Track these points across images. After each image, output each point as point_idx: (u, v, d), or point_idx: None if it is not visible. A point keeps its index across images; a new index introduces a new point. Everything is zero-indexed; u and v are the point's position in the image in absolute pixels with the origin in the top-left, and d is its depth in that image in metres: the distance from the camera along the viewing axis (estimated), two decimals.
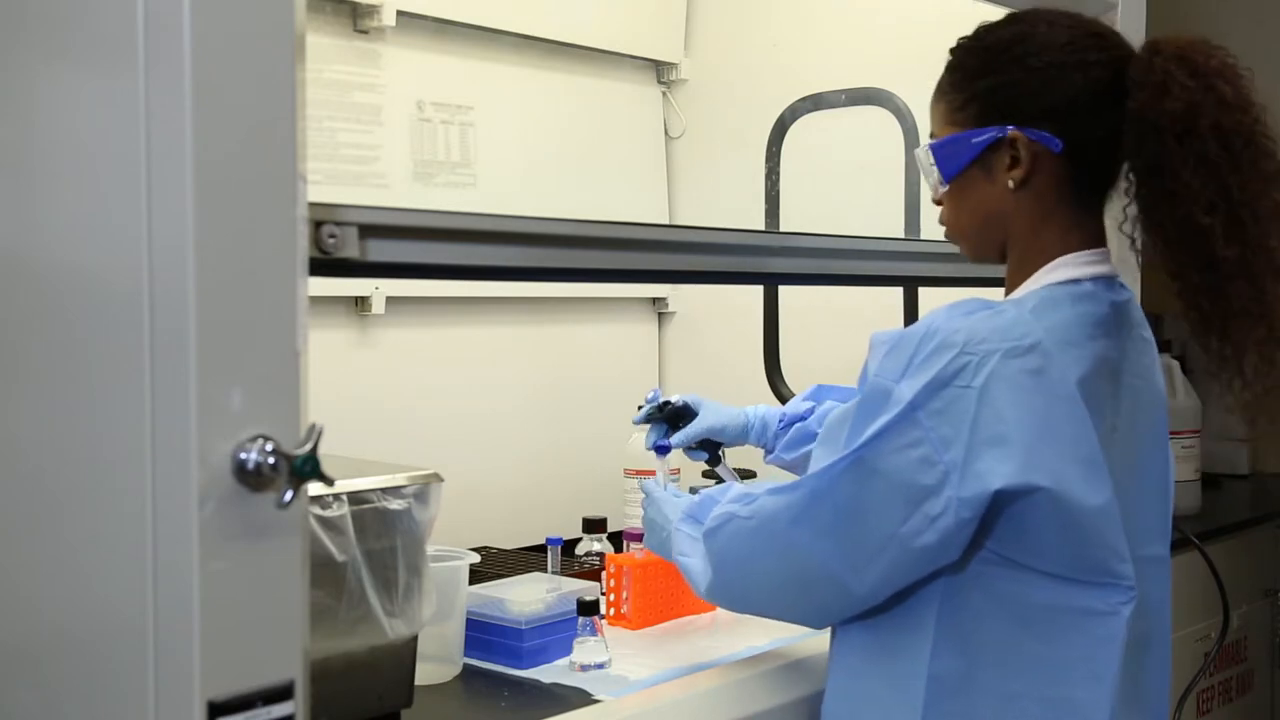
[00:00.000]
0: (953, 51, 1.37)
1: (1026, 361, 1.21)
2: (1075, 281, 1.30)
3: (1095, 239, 1.34)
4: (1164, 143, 1.23)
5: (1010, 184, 1.32)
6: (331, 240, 1.08)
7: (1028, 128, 1.30)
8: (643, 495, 1.59)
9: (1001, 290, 1.38)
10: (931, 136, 1.39)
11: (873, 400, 1.24)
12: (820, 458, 1.29)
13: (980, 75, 1.33)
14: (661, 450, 1.74)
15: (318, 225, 1.07)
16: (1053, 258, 1.32)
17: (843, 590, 1.27)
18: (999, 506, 1.21)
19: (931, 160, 1.36)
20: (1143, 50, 1.29)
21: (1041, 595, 1.25)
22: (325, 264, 1.08)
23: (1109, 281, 1.32)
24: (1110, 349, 1.28)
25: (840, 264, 1.69)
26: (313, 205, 1.00)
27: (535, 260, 1.32)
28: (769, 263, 1.58)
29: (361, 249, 1.11)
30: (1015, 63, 1.31)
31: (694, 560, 1.42)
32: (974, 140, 1.32)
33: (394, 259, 1.17)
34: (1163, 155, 1.23)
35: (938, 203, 1.41)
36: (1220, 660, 2.53)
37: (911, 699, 1.28)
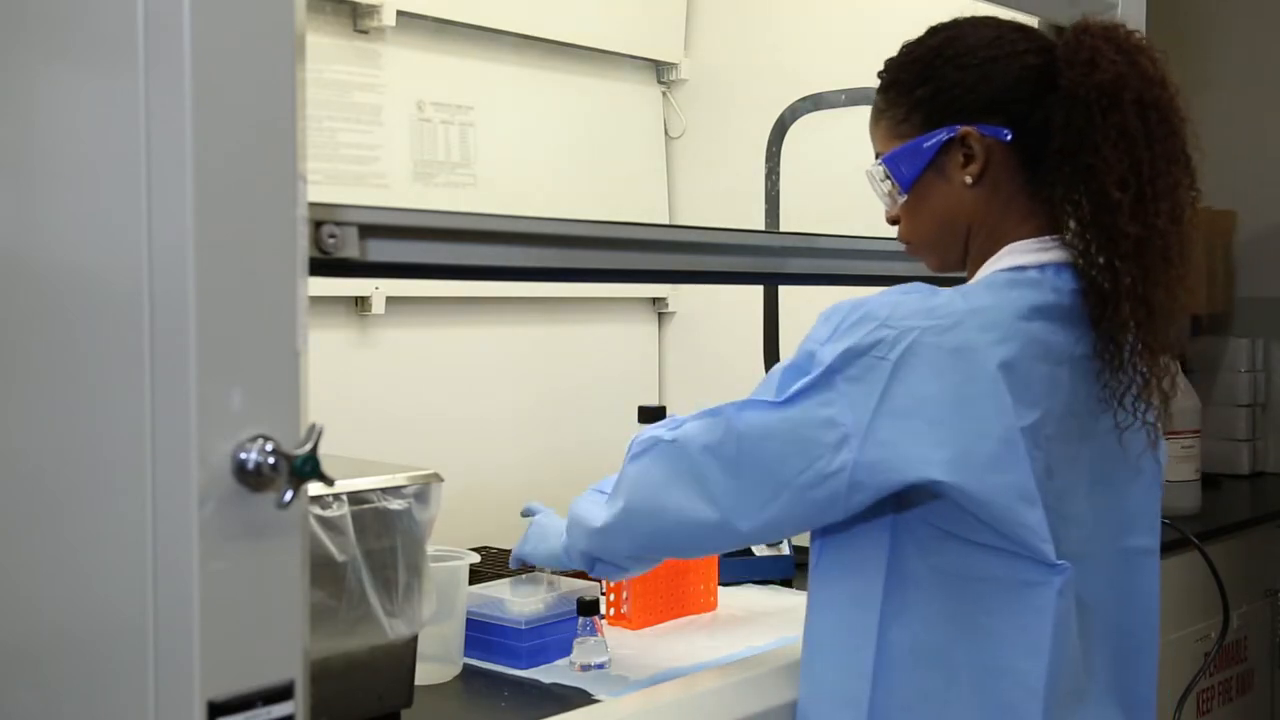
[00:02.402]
0: (883, 74, 1.41)
1: (945, 339, 1.23)
2: (1020, 269, 1.31)
3: (1051, 227, 1.34)
4: (1090, 117, 1.26)
5: (968, 180, 1.33)
6: (331, 240, 1.08)
7: (976, 123, 1.32)
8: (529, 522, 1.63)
9: None
10: (877, 158, 1.40)
11: (799, 360, 1.28)
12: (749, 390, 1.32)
13: (917, 85, 1.35)
14: None
15: (318, 225, 1.07)
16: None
17: (728, 529, 1.30)
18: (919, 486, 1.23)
19: (884, 174, 1.38)
20: (1070, 31, 1.32)
21: (978, 566, 1.26)
22: (325, 264, 1.08)
23: (1063, 268, 1.31)
24: (1051, 333, 1.27)
25: (840, 264, 1.69)
26: (313, 205, 1.00)
27: (535, 260, 1.32)
28: (769, 263, 1.58)
29: (361, 249, 1.11)
30: (949, 64, 1.34)
31: (593, 507, 1.44)
32: (925, 145, 1.34)
33: (394, 259, 1.17)
34: (1087, 130, 1.26)
35: (894, 220, 1.42)
36: (1220, 660, 2.53)
37: (861, 670, 1.30)
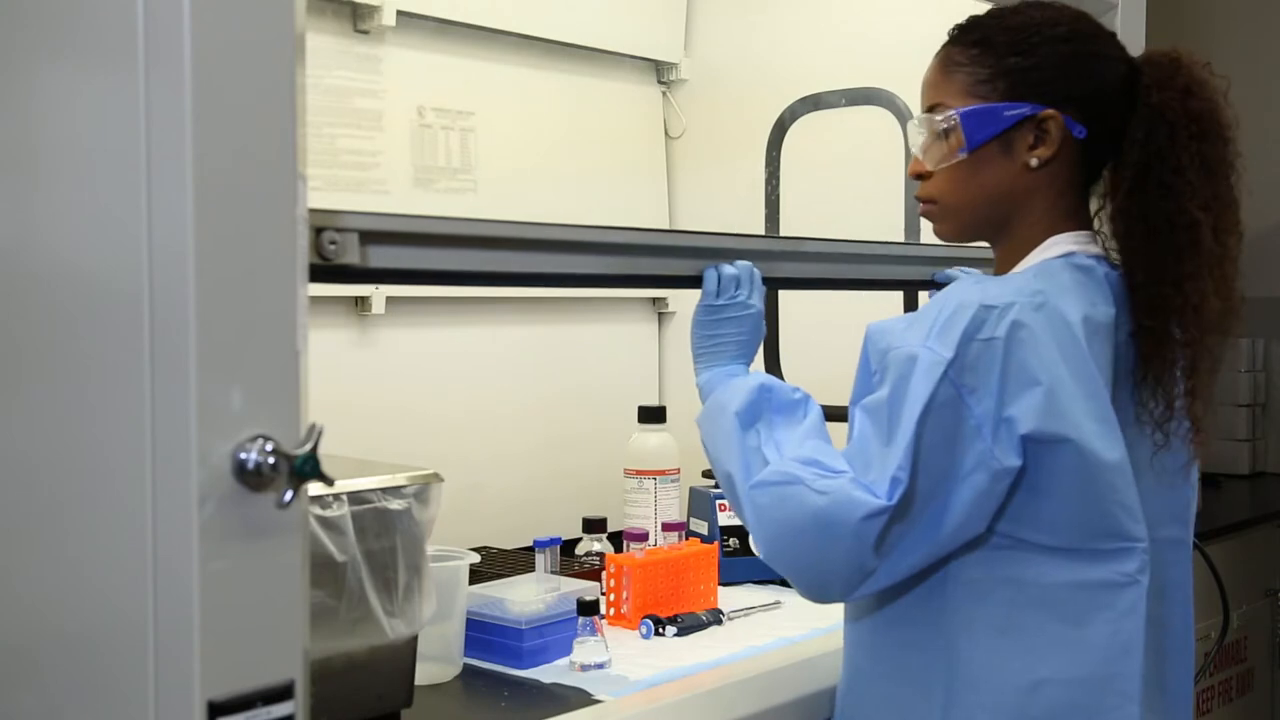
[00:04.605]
0: (970, 27, 1.38)
1: (1040, 315, 1.24)
2: (1070, 254, 1.34)
3: (1088, 225, 1.39)
4: (1175, 139, 1.30)
5: (1033, 162, 1.34)
6: (332, 246, 1.08)
7: (1059, 110, 1.33)
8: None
9: None
10: (934, 108, 1.37)
11: (901, 368, 1.23)
12: (874, 448, 1.24)
13: (1010, 53, 1.34)
14: None
15: (318, 231, 1.07)
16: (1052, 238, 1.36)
17: (868, 573, 1.24)
18: (1020, 472, 1.22)
19: (952, 125, 1.34)
20: (1160, 55, 1.36)
21: (1057, 574, 1.26)
22: (326, 270, 1.08)
23: (1103, 260, 1.36)
24: (1105, 315, 1.30)
25: (839, 268, 1.68)
26: (313, 211, 1.00)
27: (535, 266, 1.32)
28: (769, 268, 1.58)
29: (362, 255, 1.11)
30: (1050, 44, 1.34)
31: (738, 468, 1.34)
32: (1007, 114, 1.33)
33: (395, 264, 1.17)
34: (1170, 151, 1.30)
35: (921, 175, 1.40)
36: (1220, 660, 2.53)
37: (931, 696, 1.28)
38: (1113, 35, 1.39)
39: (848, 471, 1.25)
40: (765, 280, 1.53)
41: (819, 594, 1.31)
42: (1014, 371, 1.21)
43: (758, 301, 1.49)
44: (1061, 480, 1.23)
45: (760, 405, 1.37)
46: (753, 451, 1.33)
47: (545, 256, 1.33)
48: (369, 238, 1.12)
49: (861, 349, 1.33)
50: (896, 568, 1.25)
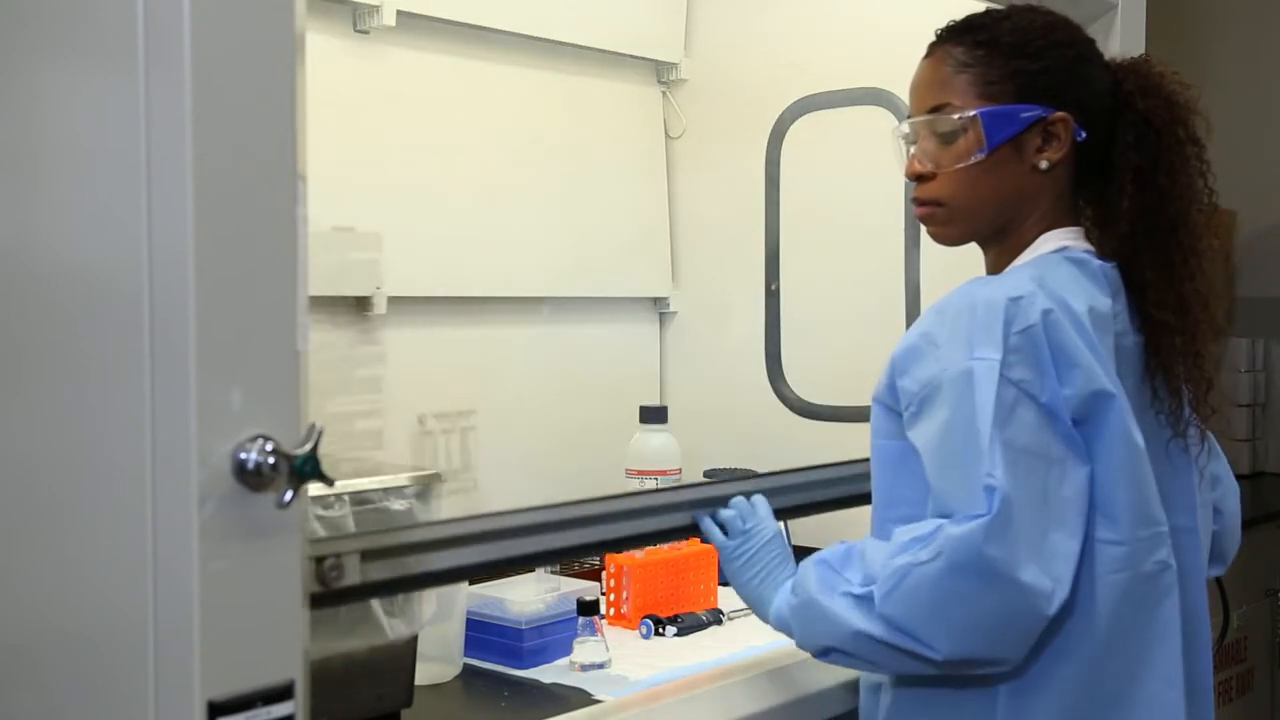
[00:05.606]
0: (973, 27, 1.38)
1: (1053, 304, 1.26)
2: (1064, 249, 1.36)
3: (1077, 223, 1.41)
4: (1161, 142, 1.34)
5: (1043, 164, 1.35)
6: (334, 573, 1.09)
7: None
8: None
9: None
10: (940, 108, 1.36)
11: (958, 387, 1.23)
12: (952, 483, 1.22)
13: (1021, 55, 1.35)
14: None
15: (319, 561, 1.09)
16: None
17: (1043, 598, 1.19)
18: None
19: (969, 125, 1.33)
20: (1136, 63, 1.39)
21: (1111, 570, 1.26)
22: (329, 595, 1.09)
23: (1093, 253, 1.38)
24: (1104, 306, 1.32)
25: (832, 491, 1.65)
26: (312, 542, 1.01)
27: (536, 547, 1.34)
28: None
29: (364, 572, 1.12)
30: (1054, 49, 1.36)
31: (847, 608, 1.27)
32: (1023, 115, 1.34)
33: (397, 574, 1.18)
34: (1160, 154, 1.34)
35: (918, 176, 1.39)
36: (1220, 660, 2.53)
37: (993, 706, 1.29)
38: (1093, 40, 1.41)
39: (941, 523, 1.21)
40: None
41: (1015, 641, 1.23)
42: (1056, 353, 1.24)
43: (769, 522, 1.45)
44: (1111, 457, 1.25)
45: (828, 574, 1.31)
46: (853, 603, 1.26)
47: (544, 537, 1.35)
48: (370, 555, 1.14)
49: (885, 379, 1.32)
50: (1065, 568, 1.21)
